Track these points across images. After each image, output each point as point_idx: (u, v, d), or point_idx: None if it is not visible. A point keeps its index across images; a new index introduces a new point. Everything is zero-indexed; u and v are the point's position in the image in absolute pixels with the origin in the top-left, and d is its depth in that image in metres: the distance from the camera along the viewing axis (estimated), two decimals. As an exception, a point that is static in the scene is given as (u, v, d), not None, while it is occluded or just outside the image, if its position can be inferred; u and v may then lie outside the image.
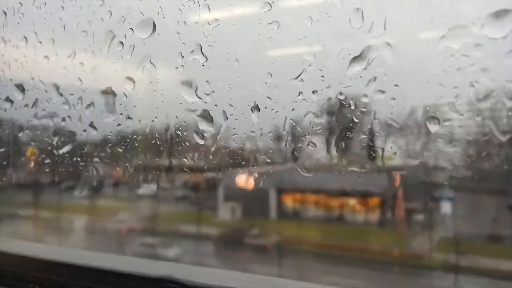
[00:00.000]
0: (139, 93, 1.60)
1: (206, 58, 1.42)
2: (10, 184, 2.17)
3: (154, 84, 1.56)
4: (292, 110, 1.38)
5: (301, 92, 1.34)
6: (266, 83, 1.37)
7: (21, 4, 1.77)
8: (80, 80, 1.65)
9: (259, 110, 1.39)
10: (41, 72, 1.74)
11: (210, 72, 1.43)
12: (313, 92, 1.33)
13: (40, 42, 1.72)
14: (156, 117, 1.59)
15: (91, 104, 1.65)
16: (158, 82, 1.54)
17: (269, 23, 1.34)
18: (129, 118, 1.62)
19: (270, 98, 1.38)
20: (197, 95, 1.46)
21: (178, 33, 1.44)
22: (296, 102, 1.36)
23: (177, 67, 1.47)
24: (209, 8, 1.39)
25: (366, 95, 1.29)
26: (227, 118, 1.44)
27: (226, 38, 1.40)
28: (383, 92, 1.23)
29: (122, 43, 1.53)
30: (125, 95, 1.59)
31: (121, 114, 1.62)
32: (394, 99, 1.23)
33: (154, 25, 1.46)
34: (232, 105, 1.43)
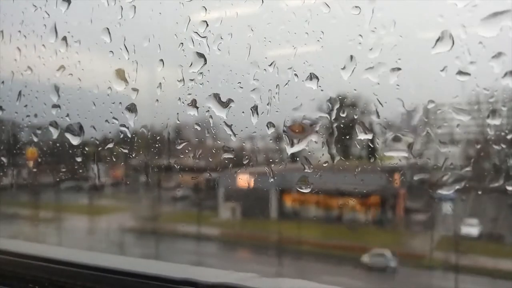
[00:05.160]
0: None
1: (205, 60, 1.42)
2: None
3: (155, 84, 1.56)
4: (293, 109, 1.38)
5: (301, 91, 1.34)
6: (265, 80, 1.37)
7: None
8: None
9: (258, 113, 1.39)
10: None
11: (211, 71, 1.43)
12: (313, 92, 1.33)
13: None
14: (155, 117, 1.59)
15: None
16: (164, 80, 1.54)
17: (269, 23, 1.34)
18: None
19: (270, 98, 1.38)
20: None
21: (177, 35, 1.45)
22: (296, 101, 1.36)
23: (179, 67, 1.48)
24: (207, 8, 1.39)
25: (366, 95, 1.29)
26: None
27: (226, 38, 1.40)
28: (383, 92, 1.23)
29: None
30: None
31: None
32: (396, 99, 1.23)
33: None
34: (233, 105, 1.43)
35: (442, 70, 1.12)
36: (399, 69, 1.19)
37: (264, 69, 1.36)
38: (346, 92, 1.35)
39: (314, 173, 1.40)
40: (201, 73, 1.43)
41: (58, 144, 1.85)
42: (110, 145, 1.71)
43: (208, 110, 1.45)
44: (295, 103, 1.36)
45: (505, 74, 1.03)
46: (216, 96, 1.42)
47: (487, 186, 1.18)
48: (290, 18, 1.32)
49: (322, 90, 1.32)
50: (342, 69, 1.26)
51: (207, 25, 1.39)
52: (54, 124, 1.77)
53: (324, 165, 1.40)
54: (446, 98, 1.16)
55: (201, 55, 1.42)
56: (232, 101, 1.41)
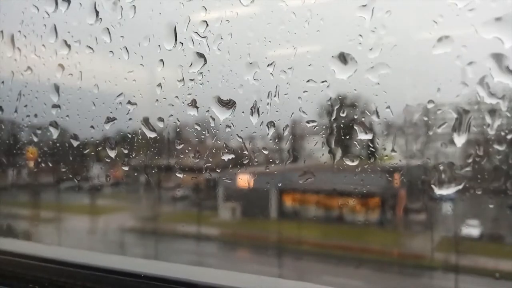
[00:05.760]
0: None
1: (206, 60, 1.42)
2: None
3: (155, 84, 1.56)
4: (292, 109, 1.38)
5: (302, 91, 1.34)
6: (264, 80, 1.37)
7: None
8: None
9: (258, 113, 1.39)
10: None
11: (211, 71, 1.43)
12: (313, 91, 1.33)
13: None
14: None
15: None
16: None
17: (269, 23, 1.34)
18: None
19: (270, 97, 1.38)
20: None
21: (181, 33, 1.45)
22: (296, 101, 1.36)
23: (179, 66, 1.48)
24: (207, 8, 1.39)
25: (366, 95, 1.29)
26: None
27: (226, 38, 1.40)
28: (383, 92, 1.23)
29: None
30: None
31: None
32: (395, 99, 1.23)
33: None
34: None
35: (442, 71, 1.12)
36: (399, 69, 1.19)
37: (264, 69, 1.36)
38: (346, 92, 1.35)
39: (314, 172, 1.40)
40: (201, 73, 1.43)
41: (58, 144, 1.85)
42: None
43: (208, 110, 1.45)
44: (295, 103, 1.36)
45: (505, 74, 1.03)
46: (218, 99, 1.42)
47: (487, 186, 1.18)
48: (290, 18, 1.32)
49: (322, 91, 1.32)
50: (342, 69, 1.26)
51: (207, 25, 1.39)
52: (54, 124, 1.77)
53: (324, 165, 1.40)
54: (446, 98, 1.16)
55: (201, 55, 1.42)
56: (235, 103, 1.41)
